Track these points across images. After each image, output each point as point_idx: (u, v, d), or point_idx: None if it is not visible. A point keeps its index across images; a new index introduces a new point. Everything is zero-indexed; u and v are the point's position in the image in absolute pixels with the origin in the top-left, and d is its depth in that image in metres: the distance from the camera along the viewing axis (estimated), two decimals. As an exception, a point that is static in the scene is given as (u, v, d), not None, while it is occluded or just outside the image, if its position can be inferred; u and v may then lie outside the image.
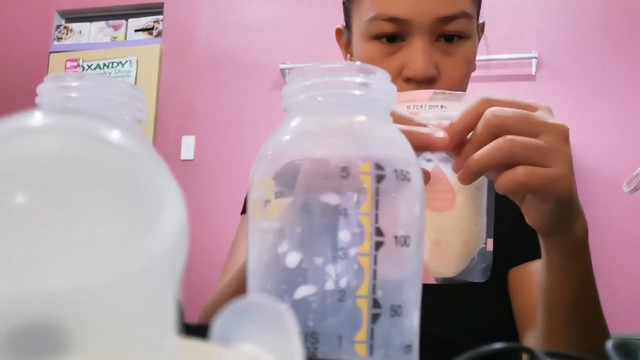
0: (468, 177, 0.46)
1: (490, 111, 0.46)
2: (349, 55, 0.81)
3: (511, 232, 0.73)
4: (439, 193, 0.47)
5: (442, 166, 0.49)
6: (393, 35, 0.69)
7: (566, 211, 0.50)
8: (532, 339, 0.69)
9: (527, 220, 0.52)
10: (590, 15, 2.69)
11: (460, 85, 0.71)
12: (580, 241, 0.53)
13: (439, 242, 0.47)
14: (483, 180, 0.49)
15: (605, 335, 0.60)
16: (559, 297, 0.56)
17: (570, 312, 0.56)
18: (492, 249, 0.49)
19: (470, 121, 0.47)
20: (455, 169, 0.47)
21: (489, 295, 0.77)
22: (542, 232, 0.53)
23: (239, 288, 0.68)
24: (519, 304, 0.76)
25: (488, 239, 0.49)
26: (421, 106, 0.50)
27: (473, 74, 0.74)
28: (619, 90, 2.59)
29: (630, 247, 2.44)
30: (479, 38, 0.78)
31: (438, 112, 0.50)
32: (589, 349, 0.57)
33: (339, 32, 0.83)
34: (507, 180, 0.46)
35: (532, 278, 0.74)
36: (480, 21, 0.78)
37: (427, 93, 0.51)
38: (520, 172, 0.45)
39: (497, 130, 0.46)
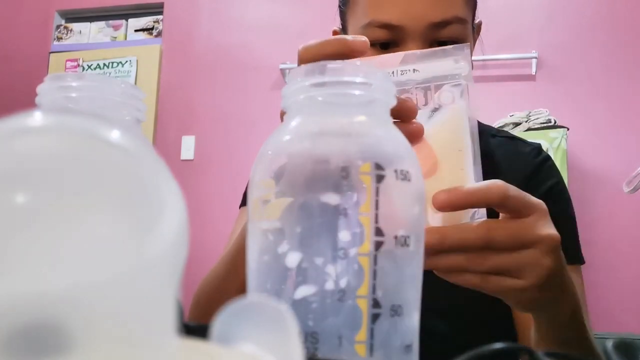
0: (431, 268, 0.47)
1: (484, 226, 0.45)
2: None
3: None
4: (422, 159, 0.44)
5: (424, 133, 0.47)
6: (387, 42, 0.70)
7: (537, 302, 0.50)
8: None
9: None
10: (590, 16, 2.69)
11: None
12: (567, 318, 0.54)
13: (425, 208, 0.45)
14: (467, 142, 0.48)
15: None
16: (546, 339, 0.57)
17: (560, 347, 0.58)
18: (485, 215, 0.48)
19: (475, 203, 0.46)
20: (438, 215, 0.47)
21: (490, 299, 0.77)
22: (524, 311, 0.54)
23: (228, 268, 0.69)
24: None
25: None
26: (393, 72, 0.48)
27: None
28: (619, 90, 2.59)
29: (630, 247, 2.44)
30: (475, 39, 0.78)
31: (410, 75, 0.48)
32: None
33: (335, 34, 0.84)
34: (466, 281, 0.47)
35: None
36: (477, 21, 0.78)
37: (397, 56, 0.49)
38: (476, 279, 0.46)
39: (487, 242, 0.45)
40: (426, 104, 0.48)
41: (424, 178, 0.44)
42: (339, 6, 0.80)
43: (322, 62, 0.35)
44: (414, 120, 0.47)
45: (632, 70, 2.60)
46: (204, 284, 0.76)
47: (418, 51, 0.50)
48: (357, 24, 0.72)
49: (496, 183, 0.46)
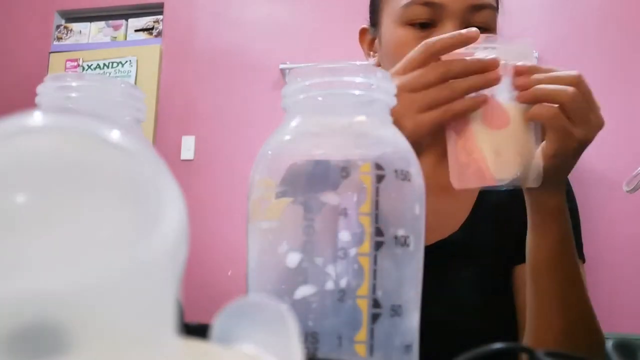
0: (525, 97, 0.56)
1: (578, 75, 0.56)
2: (372, 53, 0.85)
3: (519, 232, 0.74)
4: (496, 114, 0.57)
5: (495, 97, 0.58)
6: (425, 23, 0.73)
7: (563, 170, 0.60)
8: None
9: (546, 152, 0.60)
10: (590, 16, 2.69)
11: None
12: (557, 206, 0.62)
13: (499, 153, 0.56)
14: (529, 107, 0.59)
15: (586, 311, 0.66)
16: (538, 259, 0.64)
17: (549, 277, 0.64)
18: (542, 163, 0.59)
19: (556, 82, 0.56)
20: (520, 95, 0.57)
21: (493, 289, 0.78)
22: (545, 182, 0.60)
23: None
24: (520, 300, 0.77)
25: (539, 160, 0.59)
26: (477, 47, 0.58)
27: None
28: (619, 90, 2.59)
29: (630, 247, 2.44)
30: None
31: (491, 52, 0.58)
32: (571, 333, 0.64)
33: (363, 31, 0.86)
34: (541, 111, 0.55)
35: None
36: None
37: (481, 37, 0.58)
38: (553, 111, 0.55)
39: (566, 102, 0.55)
40: (504, 73, 0.58)
41: (500, 128, 0.56)
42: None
43: (322, 62, 0.35)
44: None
45: (632, 71, 2.60)
46: None
47: (497, 36, 0.60)
48: (397, 5, 0.75)
49: (570, 72, 0.56)
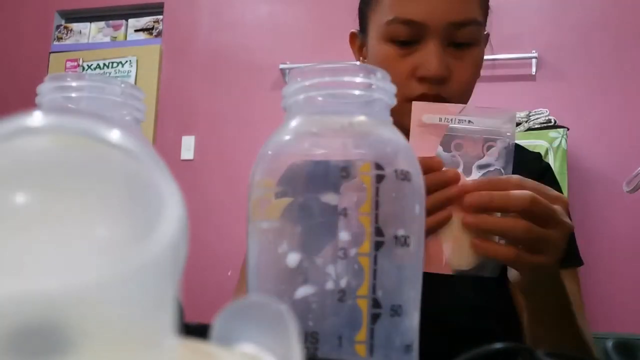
0: (471, 227, 0.54)
1: (527, 194, 0.53)
2: (362, 58, 0.85)
3: None
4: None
5: (462, 174, 0.56)
6: (407, 40, 0.73)
7: (542, 284, 0.60)
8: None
9: (508, 274, 0.62)
10: (590, 15, 2.69)
11: (467, 88, 0.76)
12: (545, 279, 0.61)
13: (457, 242, 0.55)
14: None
15: (582, 344, 0.67)
16: (532, 314, 0.65)
17: (544, 329, 0.65)
18: None
19: (496, 189, 0.54)
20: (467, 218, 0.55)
21: (496, 287, 0.78)
22: (518, 289, 0.62)
23: None
24: (518, 298, 0.78)
25: (500, 241, 0.56)
26: (451, 119, 0.57)
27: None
28: (619, 90, 2.59)
29: (630, 247, 2.44)
30: (483, 48, 0.82)
31: (465, 126, 0.57)
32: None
33: (353, 35, 0.87)
34: (500, 253, 0.54)
35: None
36: (486, 32, 0.82)
37: (457, 107, 0.58)
38: (512, 252, 0.54)
39: (522, 211, 0.53)
40: (474, 151, 0.58)
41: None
42: (360, 7, 0.83)
43: (322, 62, 0.35)
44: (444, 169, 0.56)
45: (632, 70, 2.60)
46: None
47: (475, 106, 0.58)
48: (381, 21, 0.75)
49: (522, 193, 0.53)
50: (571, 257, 0.79)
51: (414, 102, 0.58)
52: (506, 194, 0.53)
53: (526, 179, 0.54)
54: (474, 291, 0.78)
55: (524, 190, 0.53)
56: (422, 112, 0.57)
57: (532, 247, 0.54)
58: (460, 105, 0.58)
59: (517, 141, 0.60)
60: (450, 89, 0.73)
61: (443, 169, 0.55)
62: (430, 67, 0.71)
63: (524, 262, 0.54)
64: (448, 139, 0.57)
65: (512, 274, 0.61)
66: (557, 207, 0.54)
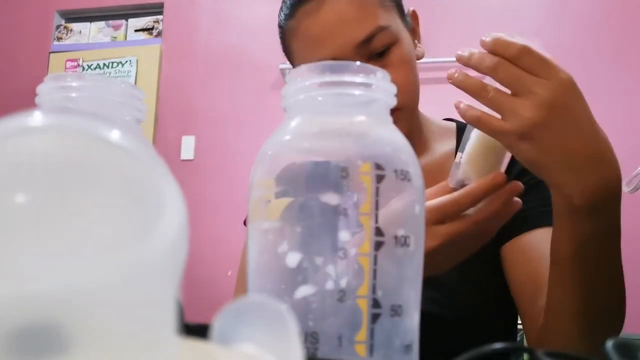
0: (451, 76, 0.54)
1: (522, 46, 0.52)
2: None
3: None
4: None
5: None
6: None
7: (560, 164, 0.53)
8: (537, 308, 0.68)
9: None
10: (590, 15, 2.69)
11: (410, 86, 0.77)
12: (587, 206, 0.54)
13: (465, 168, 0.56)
14: None
15: (612, 306, 0.62)
16: (557, 252, 0.59)
17: (569, 272, 0.58)
18: (459, 162, 0.58)
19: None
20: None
21: (482, 275, 0.78)
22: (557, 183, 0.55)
23: None
24: (514, 277, 0.75)
25: (458, 152, 0.58)
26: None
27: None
28: (619, 90, 2.59)
29: (630, 247, 2.43)
30: (415, 29, 0.84)
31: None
32: (588, 324, 0.59)
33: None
34: (465, 111, 0.53)
35: (525, 249, 0.74)
36: (409, 11, 0.83)
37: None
38: (473, 112, 0.53)
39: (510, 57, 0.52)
40: None
41: None
42: (284, 51, 0.86)
43: (322, 62, 0.35)
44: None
45: (632, 71, 2.60)
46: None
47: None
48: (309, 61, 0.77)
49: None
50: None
51: None
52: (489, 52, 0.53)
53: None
54: (462, 280, 0.78)
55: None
56: None
57: (510, 88, 0.52)
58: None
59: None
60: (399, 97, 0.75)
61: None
62: None
63: (483, 123, 0.52)
64: None
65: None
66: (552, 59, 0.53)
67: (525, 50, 0.52)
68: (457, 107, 0.55)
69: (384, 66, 0.73)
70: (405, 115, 0.77)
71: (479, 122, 0.53)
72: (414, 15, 0.85)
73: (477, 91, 0.53)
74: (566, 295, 0.59)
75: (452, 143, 0.87)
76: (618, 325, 0.62)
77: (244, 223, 0.96)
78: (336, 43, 0.73)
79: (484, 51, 0.54)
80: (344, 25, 0.73)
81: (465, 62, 0.54)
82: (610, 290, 0.62)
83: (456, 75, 0.54)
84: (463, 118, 0.54)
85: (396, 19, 0.78)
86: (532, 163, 0.52)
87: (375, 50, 0.74)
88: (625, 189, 0.72)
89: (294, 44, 0.79)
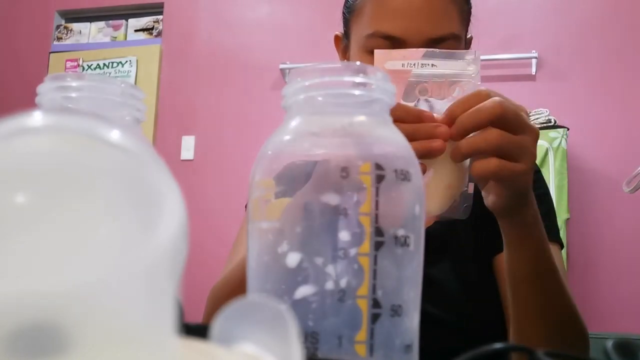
0: (458, 157, 0.55)
1: (496, 100, 0.53)
2: (345, 60, 0.85)
3: (493, 222, 0.75)
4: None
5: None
6: None
7: (520, 199, 0.58)
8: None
9: (485, 201, 0.61)
10: (590, 15, 2.69)
11: None
12: (529, 224, 0.61)
13: (427, 184, 0.54)
14: None
15: (569, 314, 0.66)
16: (515, 273, 0.64)
17: (527, 288, 0.64)
18: (472, 192, 0.57)
19: (468, 107, 0.54)
20: (445, 147, 0.55)
21: (480, 277, 0.80)
22: (497, 213, 0.61)
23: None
24: (503, 289, 0.78)
25: (469, 183, 0.57)
26: (414, 64, 0.56)
27: None
28: (619, 90, 2.59)
29: (630, 247, 2.44)
30: None
31: (429, 69, 0.56)
32: (554, 333, 0.64)
33: (337, 38, 0.88)
34: (482, 168, 0.54)
35: None
36: (468, 36, 0.84)
37: (419, 52, 0.57)
38: (493, 163, 0.53)
39: (495, 119, 0.53)
40: (439, 95, 0.57)
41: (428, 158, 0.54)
42: (344, 13, 0.84)
43: (321, 62, 0.35)
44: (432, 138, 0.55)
45: (632, 70, 2.60)
46: (221, 290, 0.78)
47: (437, 50, 0.57)
48: (361, 33, 0.77)
49: (478, 90, 0.54)
50: (550, 231, 0.79)
51: (376, 51, 0.58)
52: (476, 109, 0.53)
53: (491, 89, 0.54)
54: (454, 285, 0.79)
55: (491, 98, 0.53)
56: (385, 60, 0.57)
57: (508, 155, 0.54)
58: (422, 50, 0.57)
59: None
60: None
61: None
62: None
63: (506, 170, 0.54)
64: (412, 84, 0.56)
65: (490, 199, 0.60)
66: (523, 114, 0.55)
67: (503, 104, 0.53)
68: (475, 169, 0.55)
69: None
70: None
71: (502, 169, 0.54)
72: (470, 42, 0.86)
73: (480, 147, 0.54)
74: (529, 307, 0.65)
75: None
76: (582, 335, 0.68)
77: (245, 207, 0.97)
78: (409, 27, 0.73)
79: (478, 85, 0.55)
80: (426, 16, 0.74)
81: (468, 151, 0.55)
82: (563, 299, 0.66)
83: (464, 148, 0.54)
84: (483, 175, 0.55)
85: (464, 34, 0.80)
86: (526, 190, 0.58)
87: None
88: (625, 189, 0.72)
89: (367, 6, 0.77)
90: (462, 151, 0.54)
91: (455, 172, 0.56)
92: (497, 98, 0.53)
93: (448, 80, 0.56)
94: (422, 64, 0.56)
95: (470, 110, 0.53)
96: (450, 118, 0.54)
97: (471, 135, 0.54)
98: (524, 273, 0.63)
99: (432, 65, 0.56)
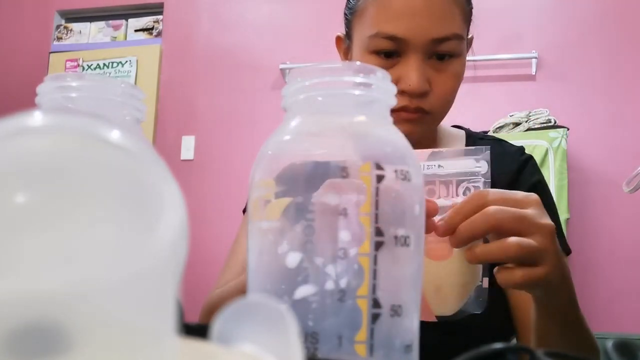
0: (474, 261, 0.52)
1: (490, 212, 0.50)
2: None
3: None
4: (438, 244, 0.52)
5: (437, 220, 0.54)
6: (390, 52, 0.75)
7: (547, 290, 0.56)
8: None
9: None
10: (590, 15, 2.69)
11: (448, 99, 0.78)
12: (557, 289, 0.57)
13: (440, 288, 0.52)
14: None
15: (585, 338, 0.65)
16: (541, 327, 0.62)
17: (554, 337, 0.62)
18: (487, 286, 0.54)
19: (465, 217, 0.51)
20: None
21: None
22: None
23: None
24: (514, 299, 0.79)
25: (484, 278, 0.54)
26: (421, 166, 0.54)
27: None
28: (619, 90, 2.59)
29: (630, 247, 2.44)
30: (466, 53, 0.84)
31: (436, 171, 0.55)
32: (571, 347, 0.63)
33: (339, 39, 0.88)
34: (506, 279, 0.52)
35: None
36: (469, 36, 0.83)
37: (425, 153, 0.55)
38: (518, 275, 0.51)
39: (494, 230, 0.50)
40: (447, 195, 0.55)
41: (440, 260, 0.52)
42: (345, 14, 0.84)
43: (321, 62, 0.35)
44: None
45: (632, 70, 2.60)
46: (215, 306, 0.78)
47: (444, 149, 0.56)
48: (364, 34, 0.77)
49: (473, 193, 0.51)
50: (563, 243, 0.79)
51: None
52: (470, 222, 0.50)
53: (490, 190, 0.52)
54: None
55: (490, 206, 0.50)
56: None
57: (527, 261, 0.51)
58: (428, 151, 0.55)
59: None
60: (431, 101, 0.75)
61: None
62: (410, 82, 0.73)
63: (529, 280, 0.51)
64: None
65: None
66: (531, 211, 0.52)
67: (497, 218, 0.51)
68: (500, 279, 0.52)
69: (437, 70, 0.76)
70: (431, 120, 0.79)
71: (527, 280, 0.51)
72: (471, 41, 0.86)
73: (497, 257, 0.51)
74: (550, 340, 0.63)
75: None
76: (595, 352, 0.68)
77: (243, 211, 0.97)
78: (412, 27, 0.74)
79: None
80: (429, 16, 0.74)
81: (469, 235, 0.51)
82: (583, 331, 0.65)
83: (480, 255, 0.51)
84: (509, 286, 0.52)
85: (465, 34, 0.80)
86: (556, 284, 0.55)
87: (438, 52, 0.75)
88: (625, 189, 0.72)
89: (370, 7, 0.77)
90: (478, 257, 0.51)
91: (470, 270, 0.53)
92: (491, 208, 0.50)
93: (456, 180, 0.55)
94: (428, 166, 0.54)
95: (466, 222, 0.50)
96: (451, 227, 0.51)
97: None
98: (551, 326, 0.62)
99: (439, 166, 0.55)
